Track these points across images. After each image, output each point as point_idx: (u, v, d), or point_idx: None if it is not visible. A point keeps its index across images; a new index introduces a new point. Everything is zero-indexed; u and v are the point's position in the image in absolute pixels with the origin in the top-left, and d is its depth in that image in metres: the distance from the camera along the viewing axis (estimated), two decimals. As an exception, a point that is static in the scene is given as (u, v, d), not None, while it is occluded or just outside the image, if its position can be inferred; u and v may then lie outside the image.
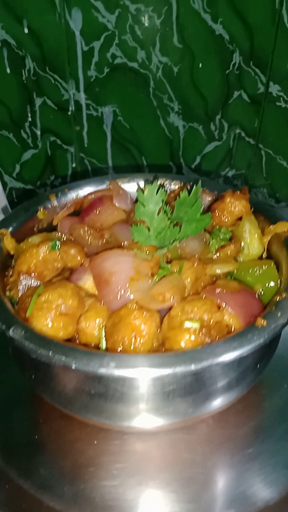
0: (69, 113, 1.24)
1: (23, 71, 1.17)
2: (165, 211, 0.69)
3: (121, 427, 0.64)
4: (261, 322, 0.58)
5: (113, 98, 1.23)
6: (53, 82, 1.20)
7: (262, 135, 1.30)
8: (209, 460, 0.65)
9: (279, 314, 0.59)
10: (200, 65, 1.20)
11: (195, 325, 0.58)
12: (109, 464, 0.64)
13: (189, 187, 0.87)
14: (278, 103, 1.25)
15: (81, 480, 0.63)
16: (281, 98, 1.24)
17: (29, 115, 1.24)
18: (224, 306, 0.60)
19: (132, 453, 0.66)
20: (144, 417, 0.62)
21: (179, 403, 0.60)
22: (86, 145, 1.30)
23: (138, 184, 0.88)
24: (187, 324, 0.58)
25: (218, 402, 0.64)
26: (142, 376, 0.52)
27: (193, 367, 0.52)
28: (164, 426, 0.64)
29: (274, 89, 1.23)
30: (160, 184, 0.87)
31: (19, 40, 1.13)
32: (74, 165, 1.34)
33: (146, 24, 1.14)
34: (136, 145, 1.31)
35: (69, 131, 1.27)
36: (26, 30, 1.13)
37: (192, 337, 0.58)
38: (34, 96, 1.21)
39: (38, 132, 1.27)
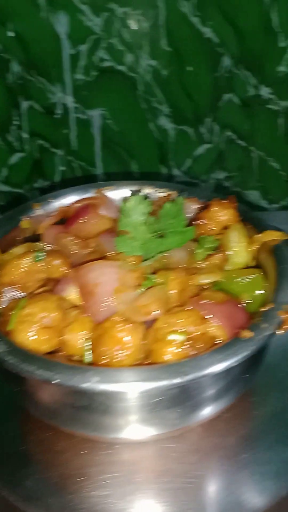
0: (57, 116, 1.25)
1: (9, 74, 1.18)
2: (148, 223, 0.69)
3: (108, 438, 0.64)
4: (247, 333, 0.58)
5: (102, 101, 1.24)
6: (40, 85, 1.20)
7: (253, 138, 1.31)
8: (199, 469, 0.65)
9: (265, 325, 0.60)
10: (189, 69, 1.21)
11: (180, 338, 0.58)
12: (96, 475, 0.64)
13: (176, 196, 0.88)
14: (268, 106, 1.25)
15: (68, 491, 0.63)
16: (272, 101, 1.24)
17: (16, 118, 1.24)
18: (209, 317, 0.61)
19: (120, 464, 0.65)
20: (130, 429, 0.62)
21: (166, 414, 0.60)
22: (74, 149, 1.30)
23: (122, 196, 0.88)
24: (172, 336, 0.58)
25: (205, 413, 0.64)
26: (126, 390, 0.53)
27: (178, 380, 0.52)
28: (151, 437, 0.64)
29: (265, 91, 1.23)
30: (145, 195, 0.87)
31: (4, 43, 1.13)
32: (62, 168, 1.34)
33: (134, 28, 1.14)
34: (125, 148, 1.31)
35: (57, 134, 1.28)
36: (11, 34, 1.13)
37: (177, 350, 0.58)
38: (21, 100, 1.21)
39: (26, 136, 1.27)
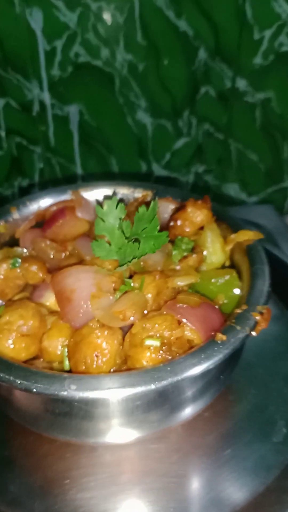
0: (34, 113, 1.24)
1: (-16, 72, 1.16)
2: (124, 227, 0.69)
3: (89, 443, 0.65)
4: (221, 337, 0.59)
5: (79, 97, 1.23)
6: (15, 82, 1.19)
7: (231, 130, 1.31)
8: (180, 468, 0.67)
9: (238, 327, 0.61)
10: (166, 62, 1.20)
11: (156, 343, 0.59)
12: (80, 478, 0.66)
13: (152, 195, 0.88)
14: (245, 98, 1.26)
15: (51, 495, 0.64)
16: (249, 93, 1.25)
17: (-7, 116, 1.23)
18: (184, 321, 0.62)
19: (103, 466, 0.67)
20: (110, 433, 0.64)
21: (145, 417, 0.62)
22: (53, 145, 1.30)
23: (96, 200, 0.89)
24: (148, 342, 0.59)
25: (183, 414, 0.66)
26: (104, 397, 0.54)
27: (153, 386, 0.54)
28: (132, 439, 0.66)
29: (241, 84, 1.24)
30: (120, 198, 0.88)
31: (-21, 40, 1.12)
32: (41, 165, 1.33)
33: (109, 22, 1.14)
34: (104, 143, 1.31)
35: (35, 131, 1.27)
36: (-15, 30, 1.12)
37: (153, 355, 0.59)
38: (-3, 97, 1.20)
39: (3, 133, 1.26)
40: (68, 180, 1.36)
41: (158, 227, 0.68)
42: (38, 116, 1.25)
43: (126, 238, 0.69)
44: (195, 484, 0.67)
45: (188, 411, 0.66)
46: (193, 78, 1.23)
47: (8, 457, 0.68)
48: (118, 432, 0.64)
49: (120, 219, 0.70)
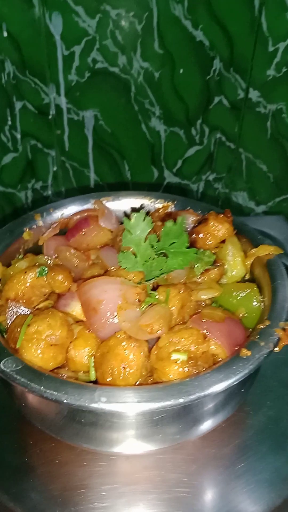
0: (50, 117, 1.22)
1: (2, 74, 1.15)
2: (150, 241, 0.68)
3: (111, 453, 0.64)
4: (246, 352, 0.59)
5: (94, 102, 1.22)
6: (33, 86, 1.18)
7: (242, 140, 1.30)
8: (196, 479, 0.65)
9: (262, 343, 0.60)
10: (181, 71, 1.19)
11: (183, 357, 0.59)
12: (98, 486, 0.65)
13: (173, 206, 0.87)
14: (257, 109, 1.25)
15: (71, 503, 0.63)
16: (261, 104, 1.24)
17: (9, 118, 1.21)
18: (210, 336, 0.61)
19: (120, 475, 0.66)
20: (133, 443, 0.63)
21: (167, 429, 0.61)
22: (67, 149, 1.29)
23: (124, 212, 0.88)
24: (175, 356, 0.58)
25: (205, 427, 0.65)
26: (132, 411, 0.53)
27: (181, 400, 0.53)
28: (152, 451, 0.65)
29: (254, 95, 1.23)
30: (147, 211, 0.87)
31: (-2, 43, 1.10)
32: (55, 168, 1.32)
33: (127, 30, 1.12)
34: (117, 149, 1.30)
35: (50, 135, 1.26)
36: (5, 34, 1.10)
37: (180, 369, 0.58)
38: (14, 100, 1.19)
39: (18, 136, 1.25)
40: (80, 184, 1.35)
41: (187, 243, 0.67)
42: (53, 120, 1.23)
43: (152, 252, 0.67)
44: (211, 496, 0.66)
45: (209, 424, 0.66)
46: (207, 88, 1.22)
47: (28, 464, 0.67)
48: (139, 443, 0.63)
49: (146, 232, 0.68)
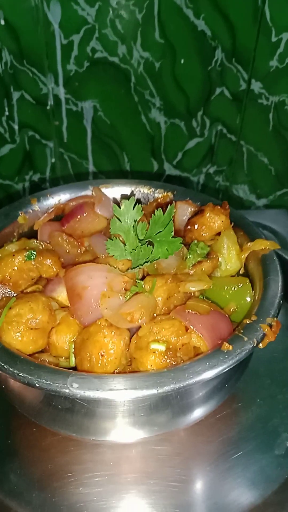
0: (48, 107, 1.23)
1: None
2: (139, 229, 0.68)
3: (89, 440, 0.65)
4: (227, 346, 0.58)
5: (93, 93, 1.23)
6: (31, 75, 1.18)
7: (243, 132, 1.30)
8: (180, 473, 0.67)
9: (246, 338, 0.60)
10: (182, 61, 1.19)
11: (161, 347, 0.59)
12: (80, 473, 0.66)
13: (172, 196, 0.87)
14: (259, 100, 1.25)
15: (50, 487, 0.65)
16: (263, 95, 1.24)
17: (6, 109, 1.23)
18: (191, 328, 0.61)
19: (104, 463, 0.68)
20: (111, 432, 0.64)
21: (146, 420, 0.62)
22: (65, 140, 1.29)
23: (114, 198, 0.88)
24: (153, 346, 0.59)
25: (185, 420, 0.66)
26: (104, 398, 0.53)
27: (155, 391, 0.54)
28: (133, 441, 0.65)
29: (256, 86, 1.23)
30: (137, 199, 0.87)
31: (-5, 32, 1.11)
32: (53, 160, 1.33)
33: (127, 18, 1.13)
34: (117, 141, 1.30)
35: (48, 126, 1.27)
36: (2, 22, 1.11)
37: (158, 359, 0.59)
38: (12, 90, 1.20)
39: (16, 127, 1.26)
40: (79, 176, 1.35)
41: (173, 232, 0.68)
42: (52, 110, 1.24)
43: (140, 240, 0.68)
44: (193, 490, 0.67)
45: (190, 417, 0.66)
46: (208, 79, 1.22)
47: (10, 447, 0.70)
48: (119, 432, 0.64)
49: (135, 220, 0.69)
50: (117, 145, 1.31)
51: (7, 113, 1.23)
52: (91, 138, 1.29)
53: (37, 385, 0.54)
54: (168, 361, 0.59)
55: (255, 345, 0.60)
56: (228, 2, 1.11)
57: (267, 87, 1.23)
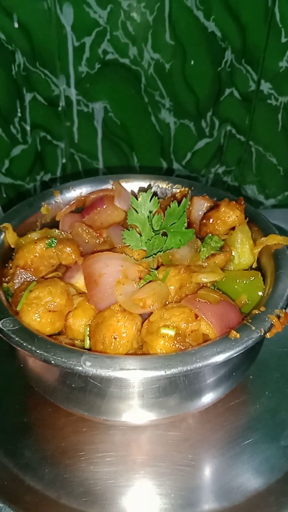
0: (60, 108, 1.28)
1: (12, 65, 1.21)
2: (155, 220, 0.73)
3: (99, 419, 0.70)
4: (235, 334, 0.62)
5: (104, 94, 1.27)
6: (43, 77, 1.23)
7: (252, 132, 1.35)
8: (186, 457, 0.71)
9: (253, 327, 0.64)
10: (192, 62, 1.24)
11: (171, 332, 0.63)
12: (91, 453, 0.71)
13: (190, 192, 0.92)
14: (269, 101, 1.29)
15: (62, 464, 0.70)
16: (272, 96, 1.28)
17: (19, 110, 1.28)
18: (201, 316, 0.65)
19: (114, 445, 0.72)
20: (122, 413, 0.67)
21: (155, 402, 0.66)
22: (76, 141, 1.34)
23: (132, 191, 0.93)
24: (163, 330, 0.63)
25: (193, 405, 0.69)
26: (115, 376, 0.58)
27: (163, 373, 0.58)
28: (142, 423, 0.69)
29: (265, 87, 1.27)
30: (154, 192, 0.92)
31: (9, 34, 1.17)
32: (64, 161, 1.37)
33: (138, 20, 1.17)
34: (127, 141, 1.35)
35: (59, 126, 1.31)
36: (16, 25, 1.16)
37: (167, 344, 0.63)
38: (24, 91, 1.25)
39: (28, 128, 1.30)
40: (89, 176, 1.39)
41: (186, 224, 0.72)
42: (63, 111, 1.29)
43: (155, 231, 0.72)
44: (200, 475, 0.71)
45: (198, 403, 0.70)
46: (218, 79, 1.27)
47: (26, 425, 0.75)
48: (129, 413, 0.68)
49: (152, 211, 0.73)
50: (127, 145, 1.36)
51: (19, 114, 1.28)
52: (102, 138, 1.34)
53: (52, 362, 0.59)
54: (177, 345, 0.63)
55: (262, 334, 0.64)
56: (238, 3, 1.16)
57: (276, 88, 1.27)
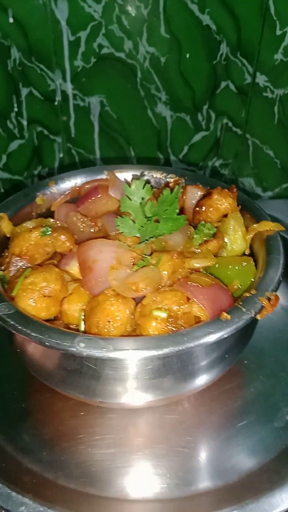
0: (56, 103, 1.31)
1: (8, 61, 1.24)
2: (147, 207, 0.76)
3: (95, 402, 0.73)
4: (226, 316, 0.65)
5: (100, 88, 1.30)
6: (39, 72, 1.26)
7: (249, 125, 1.38)
8: (182, 440, 0.75)
9: (244, 309, 0.67)
10: (188, 56, 1.27)
11: (163, 315, 0.66)
12: (88, 436, 0.75)
13: (183, 181, 0.95)
14: (264, 94, 1.32)
15: (60, 447, 0.74)
16: (268, 89, 1.31)
17: (15, 105, 1.31)
18: (193, 299, 0.68)
19: (112, 428, 0.76)
20: (116, 394, 0.70)
21: (148, 383, 0.69)
22: (73, 136, 1.37)
23: (125, 179, 0.96)
24: (156, 313, 0.66)
25: (186, 387, 0.73)
26: (108, 356, 0.61)
27: (155, 353, 0.61)
28: (138, 404, 0.72)
29: (261, 79, 1.30)
30: (147, 180, 0.95)
31: (4, 29, 1.20)
32: (61, 155, 1.41)
33: (133, 14, 1.20)
34: (123, 135, 1.38)
35: (56, 121, 1.35)
36: (11, 20, 1.19)
37: (159, 325, 0.66)
38: (20, 86, 1.28)
39: (25, 123, 1.34)
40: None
41: (178, 210, 0.75)
42: (60, 106, 1.32)
43: (148, 217, 0.75)
44: (196, 455, 0.74)
45: (192, 384, 0.73)
46: (214, 73, 1.30)
47: (25, 409, 0.79)
48: (124, 395, 0.72)
49: (143, 198, 0.76)
50: (124, 139, 1.39)
51: (16, 109, 1.31)
52: (98, 132, 1.38)
53: (47, 343, 0.62)
54: (169, 327, 0.66)
55: (252, 315, 0.67)
56: (233, -4, 1.18)
57: (272, 80, 1.30)
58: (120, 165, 1.00)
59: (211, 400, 0.79)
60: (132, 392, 0.70)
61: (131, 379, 0.68)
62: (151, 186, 0.95)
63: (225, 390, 0.81)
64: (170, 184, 0.97)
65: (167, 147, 1.41)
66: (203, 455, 0.73)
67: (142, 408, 0.77)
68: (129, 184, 0.79)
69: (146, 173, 1.00)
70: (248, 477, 0.70)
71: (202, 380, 0.73)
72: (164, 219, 0.76)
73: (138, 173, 0.99)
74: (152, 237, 0.75)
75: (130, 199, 0.77)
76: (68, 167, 1.43)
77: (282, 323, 0.93)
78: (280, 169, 1.45)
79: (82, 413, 0.77)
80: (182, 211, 0.90)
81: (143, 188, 0.78)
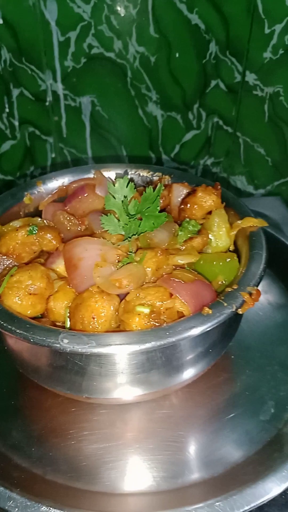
0: (47, 103, 1.34)
1: (-1, 62, 1.26)
2: (131, 205, 0.78)
3: (82, 397, 0.75)
4: (207, 311, 0.67)
5: (91, 88, 1.33)
6: (29, 72, 1.29)
7: (239, 124, 1.40)
8: (170, 434, 0.76)
9: (225, 304, 0.69)
10: (177, 55, 1.29)
11: (145, 310, 0.68)
12: (78, 431, 0.76)
13: (170, 179, 0.97)
14: (254, 92, 1.34)
15: (49, 443, 0.75)
16: (258, 87, 1.33)
17: (6, 106, 1.33)
18: (175, 294, 0.70)
19: (101, 423, 0.77)
20: (102, 389, 0.72)
21: (133, 378, 0.71)
22: (65, 136, 1.39)
23: (109, 178, 0.98)
24: (139, 308, 0.68)
25: (171, 381, 0.75)
26: (92, 351, 0.62)
27: (138, 347, 0.63)
28: (127, 399, 0.74)
29: (251, 78, 1.32)
30: (130, 178, 0.97)
31: (-6, 30, 1.21)
32: (53, 155, 1.43)
33: (122, 14, 1.22)
34: (115, 135, 1.40)
35: (48, 121, 1.37)
36: (0, 21, 1.21)
37: (142, 321, 0.68)
38: (11, 87, 1.30)
39: (16, 123, 1.36)
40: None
41: (159, 208, 0.77)
42: (51, 106, 1.34)
43: (130, 215, 0.77)
44: (184, 448, 0.76)
45: (177, 379, 0.75)
46: (204, 71, 1.32)
47: (14, 406, 0.80)
48: (110, 389, 0.73)
49: (128, 196, 0.78)
50: (115, 139, 1.41)
51: (7, 110, 1.33)
52: (90, 132, 1.40)
53: (32, 340, 0.64)
54: (152, 323, 0.68)
55: (234, 310, 0.69)
56: (221, -5, 1.20)
57: (262, 79, 1.32)
58: (107, 164, 1.02)
59: (198, 395, 0.81)
60: (118, 387, 0.72)
61: (116, 374, 0.70)
62: (139, 184, 0.97)
63: (213, 385, 0.83)
64: (157, 183, 0.99)
65: (158, 146, 1.43)
66: (190, 449, 0.75)
67: (131, 404, 0.79)
68: (113, 183, 0.80)
69: (133, 171, 1.02)
70: (233, 469, 0.72)
71: (188, 374, 0.74)
72: (146, 216, 0.78)
73: (124, 171, 1.01)
74: (135, 235, 0.77)
75: (114, 197, 0.79)
76: (60, 167, 1.45)
77: (268, 319, 0.94)
78: (271, 167, 1.47)
79: (72, 409, 0.78)
80: (168, 209, 0.92)
81: (127, 186, 0.80)
